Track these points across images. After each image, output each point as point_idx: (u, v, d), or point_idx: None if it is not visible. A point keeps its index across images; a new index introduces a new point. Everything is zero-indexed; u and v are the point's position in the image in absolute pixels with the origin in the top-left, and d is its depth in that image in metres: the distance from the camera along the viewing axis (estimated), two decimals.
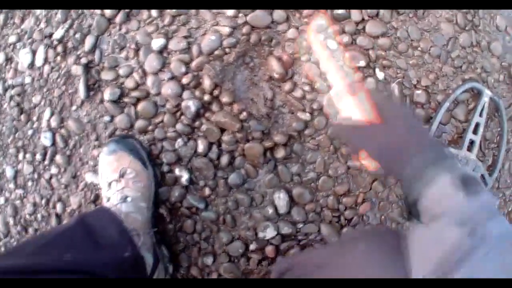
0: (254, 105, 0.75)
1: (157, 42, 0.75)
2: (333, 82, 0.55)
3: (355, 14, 0.75)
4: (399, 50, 0.76)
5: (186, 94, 0.75)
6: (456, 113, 0.79)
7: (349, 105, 0.52)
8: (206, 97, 0.74)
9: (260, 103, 0.74)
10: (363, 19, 0.75)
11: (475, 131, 0.79)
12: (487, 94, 0.78)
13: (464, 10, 0.79)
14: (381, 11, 0.75)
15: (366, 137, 0.50)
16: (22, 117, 0.83)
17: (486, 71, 0.81)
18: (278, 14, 0.74)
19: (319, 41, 0.58)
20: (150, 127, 0.76)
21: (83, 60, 0.78)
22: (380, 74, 0.76)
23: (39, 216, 0.86)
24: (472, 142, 0.79)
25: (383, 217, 0.79)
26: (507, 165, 0.84)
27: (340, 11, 0.74)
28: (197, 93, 0.74)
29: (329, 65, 0.56)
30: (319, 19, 0.60)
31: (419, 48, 0.77)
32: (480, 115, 0.79)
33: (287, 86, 0.74)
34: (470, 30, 0.80)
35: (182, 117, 0.75)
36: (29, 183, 0.85)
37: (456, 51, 0.78)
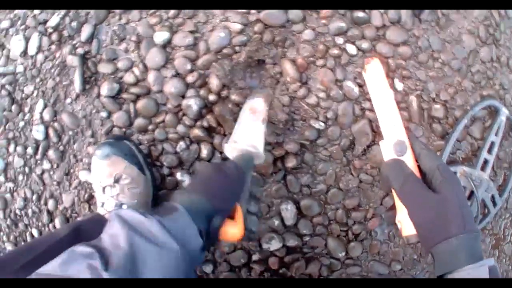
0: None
1: (161, 36, 0.59)
2: (384, 134, 0.50)
3: (376, 18, 0.60)
4: (419, 60, 0.62)
5: (190, 92, 0.60)
6: (472, 130, 0.65)
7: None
8: (212, 97, 0.59)
9: (277, 108, 0.59)
10: (384, 25, 0.60)
11: (489, 150, 0.65)
12: (504, 112, 0.65)
13: (486, 23, 0.65)
14: (403, 18, 0.60)
15: (416, 198, 0.43)
16: (14, 107, 0.67)
17: (504, 88, 0.67)
18: (294, 13, 0.59)
19: (378, 86, 0.51)
20: (150, 127, 0.61)
21: (80, 51, 0.62)
22: (399, 85, 0.61)
23: (29, 211, 0.70)
24: (486, 162, 0.66)
25: (391, 233, 0.66)
26: None
27: (360, 14, 0.60)
28: (202, 92, 0.59)
29: (384, 115, 0.50)
30: (374, 63, 0.52)
31: (439, 60, 0.63)
32: (496, 134, 0.65)
33: (301, 91, 0.59)
34: (491, 45, 0.66)
35: (184, 117, 0.60)
36: (20, 177, 0.69)
37: (476, 65, 0.64)
